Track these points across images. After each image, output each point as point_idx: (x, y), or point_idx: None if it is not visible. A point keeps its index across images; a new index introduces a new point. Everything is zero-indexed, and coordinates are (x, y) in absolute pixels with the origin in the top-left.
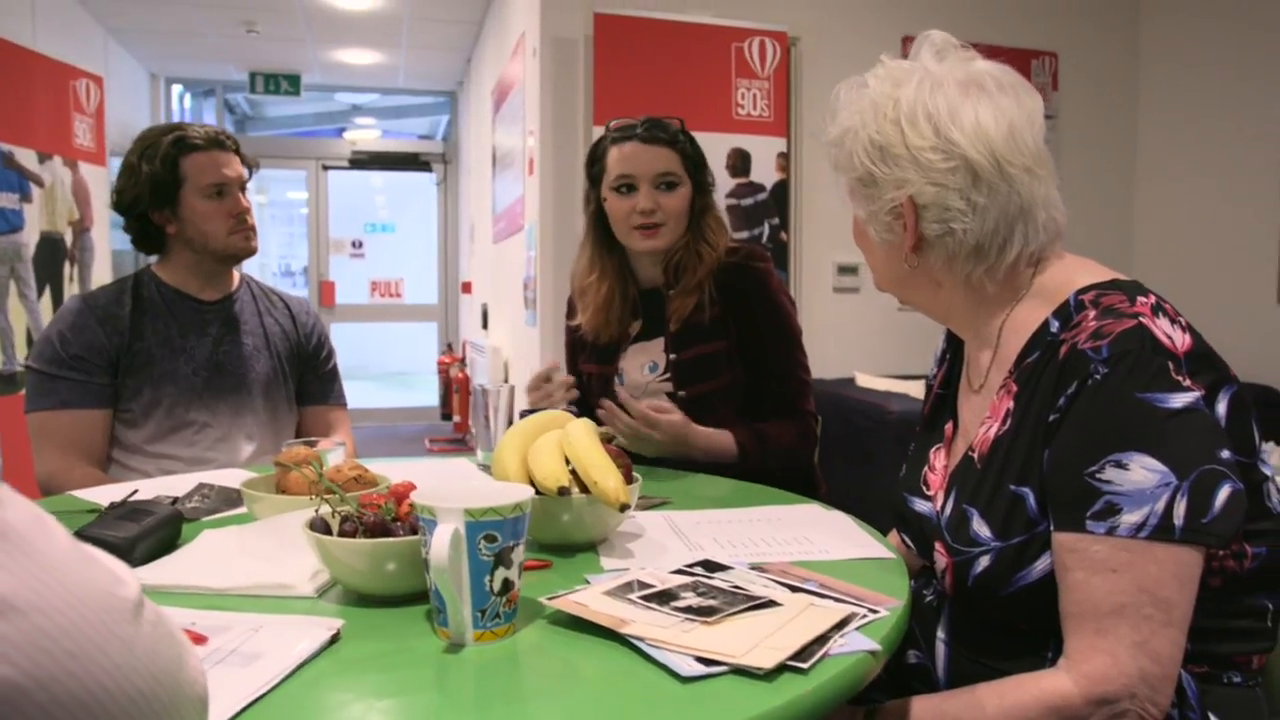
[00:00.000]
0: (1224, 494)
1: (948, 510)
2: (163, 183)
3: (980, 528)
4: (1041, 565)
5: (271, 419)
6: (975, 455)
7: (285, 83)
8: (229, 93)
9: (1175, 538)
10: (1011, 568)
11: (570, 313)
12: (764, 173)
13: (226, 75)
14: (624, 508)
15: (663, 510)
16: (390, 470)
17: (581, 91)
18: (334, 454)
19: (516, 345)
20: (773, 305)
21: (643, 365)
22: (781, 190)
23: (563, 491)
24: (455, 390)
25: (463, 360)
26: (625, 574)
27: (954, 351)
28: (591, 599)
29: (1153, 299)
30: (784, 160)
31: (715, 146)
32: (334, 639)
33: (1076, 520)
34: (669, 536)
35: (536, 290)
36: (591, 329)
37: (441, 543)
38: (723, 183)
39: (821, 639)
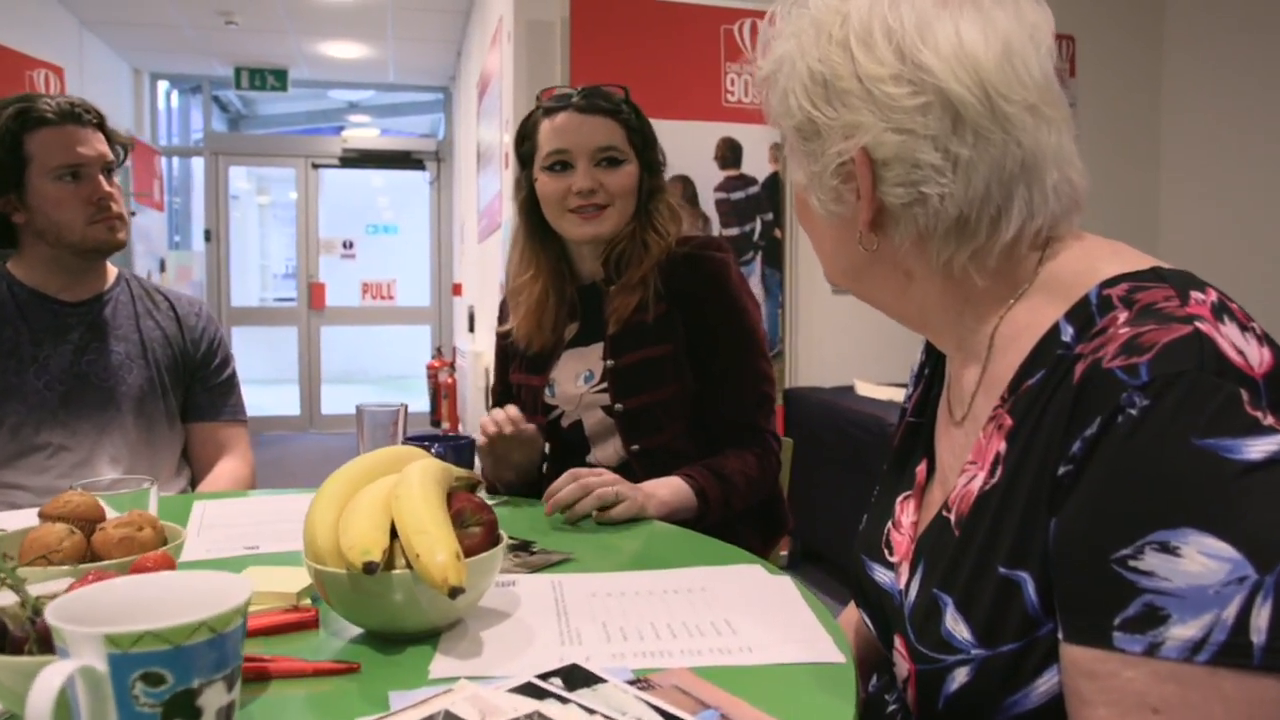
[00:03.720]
0: None
1: (912, 593)
2: (2, 163)
3: (956, 625)
4: (1044, 686)
5: (145, 440)
6: (951, 516)
7: (271, 78)
8: (218, 89)
9: (1253, 663)
10: (1000, 687)
11: (502, 317)
12: (756, 165)
13: (211, 70)
14: (455, 592)
15: (559, 571)
16: (279, 505)
17: (558, 78)
18: (141, 498)
19: None
20: (729, 301)
21: (577, 375)
22: (775, 183)
23: (369, 568)
24: (444, 396)
25: (452, 365)
26: (445, 694)
27: (935, 366)
28: None
29: (1213, 295)
30: (777, 151)
31: (703, 136)
32: None
33: (1099, 630)
34: (544, 618)
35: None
36: (523, 335)
37: (44, 693)
38: (711, 175)
39: None
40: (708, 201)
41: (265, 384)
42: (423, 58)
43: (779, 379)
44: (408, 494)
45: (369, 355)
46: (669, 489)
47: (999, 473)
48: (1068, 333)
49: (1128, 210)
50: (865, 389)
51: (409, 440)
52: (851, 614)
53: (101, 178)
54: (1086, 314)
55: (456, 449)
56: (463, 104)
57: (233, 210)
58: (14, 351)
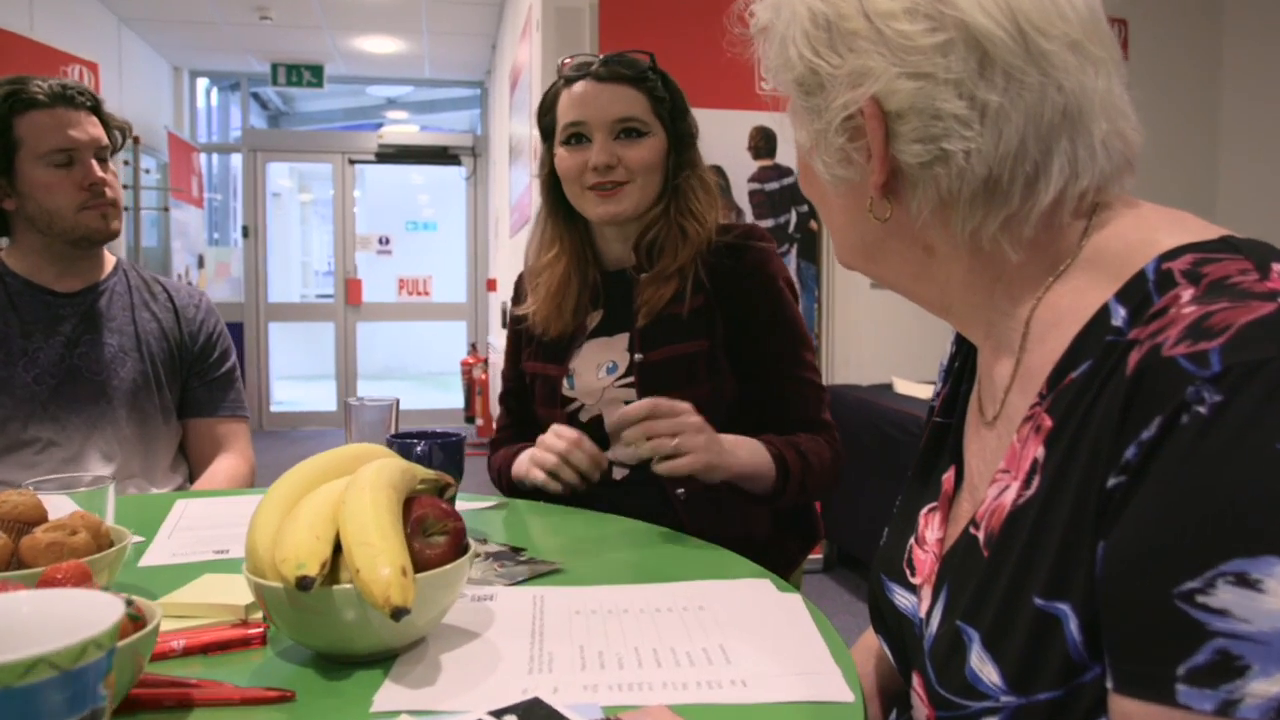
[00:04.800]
0: None
1: (933, 623)
2: None
3: (983, 666)
4: None
5: (139, 435)
6: (980, 534)
7: (308, 73)
8: (255, 86)
9: None
10: None
11: (517, 298)
12: (791, 154)
13: (248, 67)
14: (398, 613)
15: (543, 583)
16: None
17: None
18: (97, 496)
19: None
20: (777, 295)
21: (599, 366)
22: None
23: (302, 584)
24: (478, 392)
25: (486, 361)
26: None
27: (966, 358)
28: None
29: None
30: None
31: (736, 125)
32: None
33: (1160, 681)
34: (516, 639)
35: None
36: (541, 319)
37: None
38: (745, 165)
39: None
40: (741, 192)
41: (303, 380)
42: (457, 52)
43: None
44: (355, 499)
45: (408, 351)
46: (749, 450)
47: (1035, 483)
48: (1119, 315)
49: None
50: (904, 387)
51: (397, 437)
52: (872, 638)
53: (94, 163)
54: (1142, 292)
55: (445, 447)
56: (497, 98)
57: (274, 207)
58: (3, 343)
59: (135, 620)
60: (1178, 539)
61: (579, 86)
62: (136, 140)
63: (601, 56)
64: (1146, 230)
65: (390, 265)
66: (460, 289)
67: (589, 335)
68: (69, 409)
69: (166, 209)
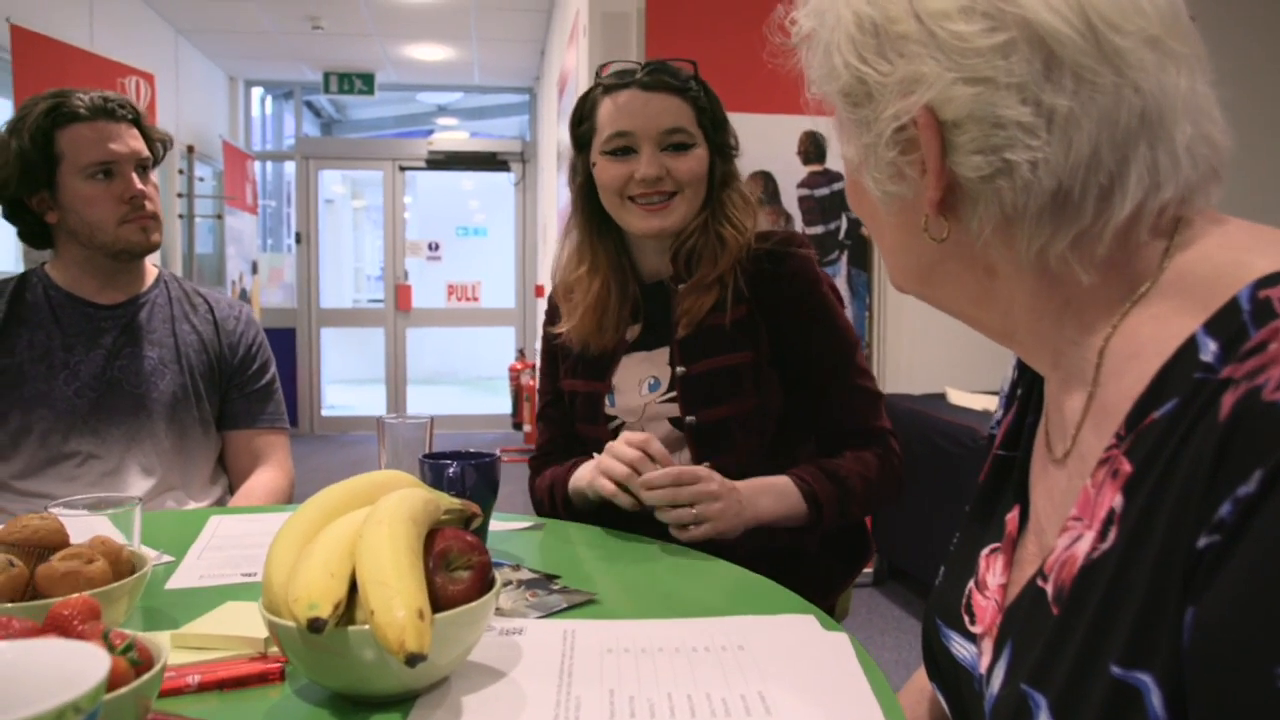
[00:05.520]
0: None
1: (995, 682)
2: (33, 161)
3: None
4: None
5: (178, 447)
6: (1049, 588)
7: (359, 81)
8: (308, 95)
9: None
10: None
11: (551, 317)
12: (841, 160)
13: (301, 75)
14: (413, 659)
15: (576, 615)
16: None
17: None
18: (125, 517)
19: None
20: (820, 301)
21: (641, 382)
22: None
23: (314, 625)
24: (526, 398)
25: (534, 367)
26: None
27: (1030, 387)
28: None
29: None
30: None
31: (785, 130)
32: None
33: None
34: (543, 679)
35: None
36: (579, 336)
37: None
38: (795, 171)
39: None
40: (790, 198)
41: (354, 384)
42: (506, 58)
43: None
44: (372, 534)
45: (457, 356)
46: (773, 496)
47: (1112, 535)
48: (1209, 349)
49: (1262, 213)
50: (958, 397)
51: (429, 458)
52: (923, 679)
53: (135, 175)
54: (1236, 324)
55: (479, 468)
56: (545, 104)
57: (327, 214)
58: (45, 356)
59: (137, 665)
60: (1279, 609)
61: (623, 95)
62: (191, 149)
63: (644, 65)
64: (1237, 250)
65: (440, 271)
66: (509, 294)
67: (629, 350)
68: (109, 422)
69: (220, 216)
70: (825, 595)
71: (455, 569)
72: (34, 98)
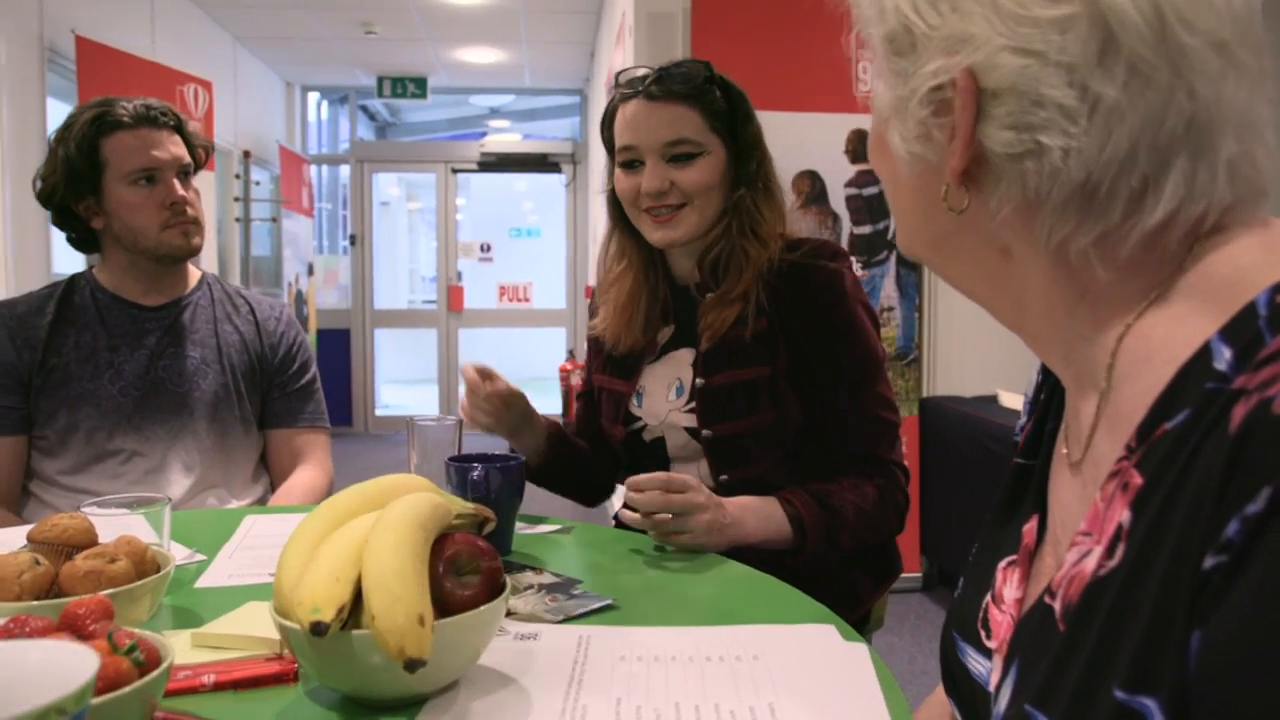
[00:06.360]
0: None
1: (1003, 701)
2: (79, 169)
3: None
4: None
5: (219, 446)
6: (1056, 605)
7: (412, 85)
8: (363, 99)
9: None
10: None
11: (592, 312)
12: None
13: (356, 80)
14: (413, 665)
15: (593, 621)
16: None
17: None
18: (155, 515)
19: None
20: (845, 318)
21: (669, 386)
22: None
23: (317, 629)
24: (575, 398)
25: (583, 367)
26: None
27: (1053, 392)
28: None
29: None
30: None
31: (832, 129)
32: None
33: None
34: (551, 687)
35: None
36: (611, 334)
37: None
38: (842, 169)
39: None
40: (838, 198)
41: (408, 384)
42: (557, 60)
43: (915, 387)
44: (378, 539)
45: (508, 356)
46: (760, 518)
47: (1120, 552)
48: (1223, 357)
49: None
50: (1010, 400)
51: (455, 460)
52: (944, 697)
53: (177, 181)
54: (1252, 330)
55: (504, 471)
56: (596, 106)
57: (383, 216)
58: (90, 357)
59: (141, 666)
60: None
61: (630, 107)
62: (248, 154)
63: (656, 70)
64: (1263, 252)
65: (491, 272)
66: (560, 295)
67: (661, 351)
68: (152, 420)
69: (277, 220)
70: (854, 607)
71: (464, 574)
72: (80, 107)
